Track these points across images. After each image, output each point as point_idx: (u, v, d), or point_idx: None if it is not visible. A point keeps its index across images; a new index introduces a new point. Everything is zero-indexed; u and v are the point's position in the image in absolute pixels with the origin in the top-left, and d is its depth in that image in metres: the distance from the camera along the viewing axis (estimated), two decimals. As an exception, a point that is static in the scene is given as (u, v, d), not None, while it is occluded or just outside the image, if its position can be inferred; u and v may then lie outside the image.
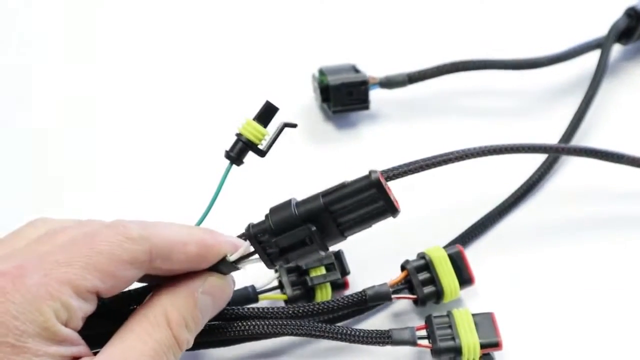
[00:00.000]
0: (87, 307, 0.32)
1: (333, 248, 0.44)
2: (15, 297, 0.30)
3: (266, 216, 0.35)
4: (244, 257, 0.36)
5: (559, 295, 0.46)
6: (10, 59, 0.64)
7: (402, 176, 0.41)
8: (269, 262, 0.36)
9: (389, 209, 0.34)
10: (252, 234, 0.35)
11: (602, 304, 0.45)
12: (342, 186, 0.34)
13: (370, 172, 0.34)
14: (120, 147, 0.56)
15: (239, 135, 0.37)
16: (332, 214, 0.34)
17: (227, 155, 0.38)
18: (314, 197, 0.35)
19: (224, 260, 0.36)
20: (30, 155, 0.55)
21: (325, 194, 0.34)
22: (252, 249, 0.36)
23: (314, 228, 0.34)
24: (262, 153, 0.38)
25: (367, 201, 0.34)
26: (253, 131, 0.37)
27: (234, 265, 0.36)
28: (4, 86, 0.61)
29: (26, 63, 0.63)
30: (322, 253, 0.35)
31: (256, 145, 0.37)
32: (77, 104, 0.59)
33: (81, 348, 0.32)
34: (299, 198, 0.36)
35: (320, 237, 0.34)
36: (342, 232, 0.35)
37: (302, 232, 0.34)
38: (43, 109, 0.59)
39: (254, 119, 0.37)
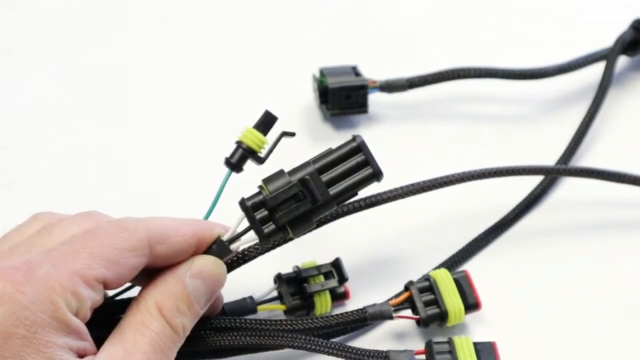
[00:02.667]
0: (95, 297, 0.33)
1: (331, 257, 0.44)
2: (26, 289, 0.31)
3: (260, 187, 0.36)
4: (238, 236, 0.37)
5: (566, 323, 0.45)
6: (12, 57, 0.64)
7: (404, 197, 0.43)
8: (264, 236, 0.36)
9: (375, 169, 0.36)
10: (248, 206, 0.35)
11: (616, 335, 0.44)
12: (330, 151, 0.36)
13: (354, 137, 0.36)
14: (116, 151, 0.55)
15: (239, 142, 0.38)
16: (321, 176, 0.36)
17: (227, 162, 0.38)
18: (305, 164, 0.36)
19: (218, 241, 0.37)
20: (29, 155, 0.55)
21: (315, 160, 0.36)
22: (244, 225, 0.36)
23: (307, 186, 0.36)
24: (261, 160, 0.38)
25: (354, 164, 0.36)
26: (254, 139, 0.37)
27: (228, 246, 0.37)
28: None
29: (26, 61, 0.63)
30: (314, 221, 0.36)
31: (256, 153, 0.38)
32: (78, 106, 0.59)
33: (87, 345, 0.33)
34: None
35: (313, 188, 0.35)
36: (335, 197, 0.36)
37: (296, 188, 0.35)
38: (43, 109, 0.58)
39: (253, 128, 0.38)
